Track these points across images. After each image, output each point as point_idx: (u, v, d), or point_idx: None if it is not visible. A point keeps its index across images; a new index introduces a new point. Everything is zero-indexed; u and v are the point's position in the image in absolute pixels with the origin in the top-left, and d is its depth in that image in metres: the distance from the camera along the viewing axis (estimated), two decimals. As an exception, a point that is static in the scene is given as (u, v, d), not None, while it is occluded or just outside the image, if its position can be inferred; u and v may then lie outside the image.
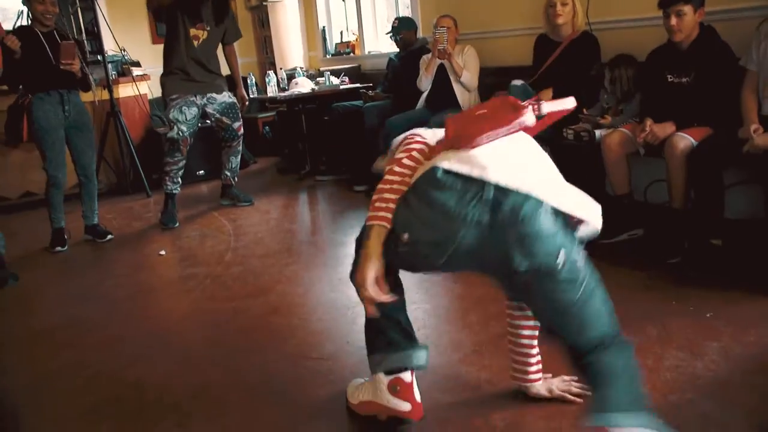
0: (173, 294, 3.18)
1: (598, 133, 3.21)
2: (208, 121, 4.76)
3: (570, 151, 3.22)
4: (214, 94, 4.45)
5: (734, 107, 2.77)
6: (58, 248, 4.02)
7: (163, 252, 3.81)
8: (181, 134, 4.34)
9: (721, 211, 2.70)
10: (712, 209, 2.68)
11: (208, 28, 4.40)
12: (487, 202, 1.40)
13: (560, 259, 1.42)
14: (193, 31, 4.34)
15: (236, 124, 4.55)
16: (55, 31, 3.88)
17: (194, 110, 4.38)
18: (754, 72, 2.75)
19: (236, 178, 4.81)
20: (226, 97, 4.53)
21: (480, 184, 1.40)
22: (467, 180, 1.41)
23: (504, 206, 1.39)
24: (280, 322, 2.68)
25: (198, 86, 4.38)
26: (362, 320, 1.78)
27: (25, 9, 3.88)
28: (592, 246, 1.55)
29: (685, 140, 2.72)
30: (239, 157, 4.75)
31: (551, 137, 3.04)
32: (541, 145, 1.58)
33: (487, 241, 1.42)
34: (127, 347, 2.58)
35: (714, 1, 2.98)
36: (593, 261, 1.50)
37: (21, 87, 3.83)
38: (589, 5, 3.63)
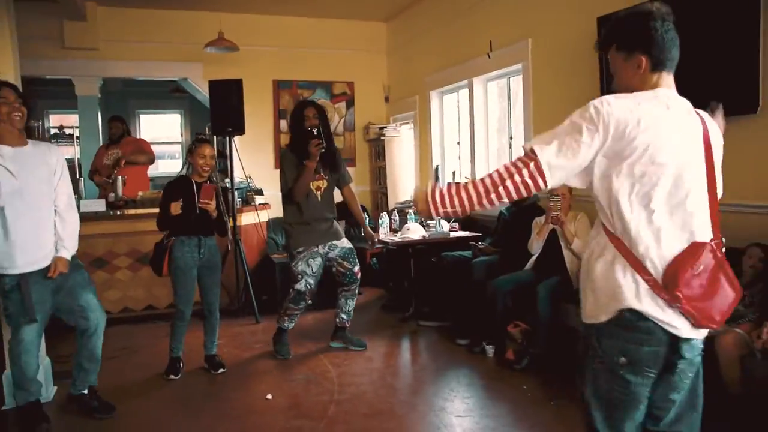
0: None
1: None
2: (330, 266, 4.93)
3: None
4: (335, 242, 4.67)
5: None
6: (172, 376, 4.29)
7: (269, 396, 3.94)
8: (309, 287, 4.60)
9: None
10: None
11: (327, 177, 4.67)
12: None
13: None
14: (315, 184, 4.60)
15: (356, 268, 4.73)
16: (208, 181, 4.26)
17: (318, 260, 4.60)
18: None
19: (349, 323, 4.94)
20: (345, 242, 4.74)
21: None
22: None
23: None
24: None
25: (322, 236, 4.61)
26: None
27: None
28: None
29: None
30: (355, 300, 4.90)
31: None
32: None
33: None
34: None
35: None
36: None
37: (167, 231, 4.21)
38: None
